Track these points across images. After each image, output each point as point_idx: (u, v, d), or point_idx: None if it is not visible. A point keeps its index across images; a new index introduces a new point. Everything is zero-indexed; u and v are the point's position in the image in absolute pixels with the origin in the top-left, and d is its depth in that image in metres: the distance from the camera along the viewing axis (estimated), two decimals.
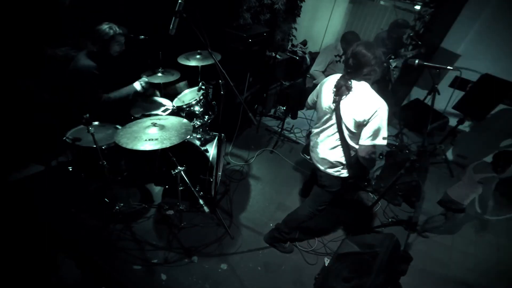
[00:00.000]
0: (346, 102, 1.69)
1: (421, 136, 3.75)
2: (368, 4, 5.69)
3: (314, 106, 1.98)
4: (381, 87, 3.54)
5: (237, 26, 3.30)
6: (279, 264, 2.25)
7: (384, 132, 1.63)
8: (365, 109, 1.61)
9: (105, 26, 1.94)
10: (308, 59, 4.89)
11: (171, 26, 1.56)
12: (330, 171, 1.90)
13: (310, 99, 2.05)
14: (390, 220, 2.82)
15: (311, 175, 2.58)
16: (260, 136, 3.76)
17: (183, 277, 2.01)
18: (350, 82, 1.67)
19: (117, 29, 1.97)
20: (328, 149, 1.86)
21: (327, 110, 1.79)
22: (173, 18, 1.54)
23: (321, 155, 1.90)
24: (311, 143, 2.02)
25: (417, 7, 4.49)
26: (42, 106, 2.22)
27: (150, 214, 2.42)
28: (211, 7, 2.93)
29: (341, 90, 1.69)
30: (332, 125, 1.79)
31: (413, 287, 2.24)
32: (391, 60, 3.59)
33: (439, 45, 3.72)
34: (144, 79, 2.22)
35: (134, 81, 2.22)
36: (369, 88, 1.68)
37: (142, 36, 2.21)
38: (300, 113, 4.39)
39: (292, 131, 4.02)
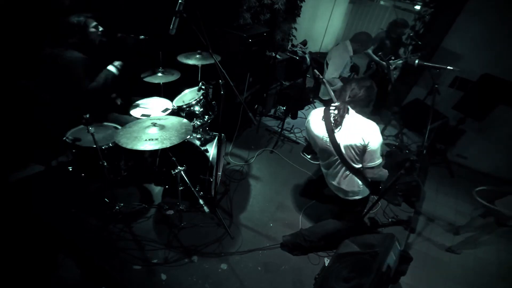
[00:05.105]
0: (341, 133, 1.75)
1: (421, 136, 3.75)
2: (368, 4, 5.71)
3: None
4: (381, 87, 3.54)
5: (237, 26, 3.30)
6: (279, 264, 2.25)
7: (379, 151, 1.73)
8: (362, 135, 1.69)
9: (73, 17, 1.95)
10: (308, 59, 4.88)
11: (171, 26, 1.56)
12: (348, 198, 1.99)
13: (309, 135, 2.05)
14: (390, 220, 2.83)
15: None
16: (260, 136, 3.76)
17: (183, 277, 2.01)
18: (343, 114, 1.75)
19: (82, 16, 2.00)
20: (341, 179, 1.93)
21: (324, 143, 1.86)
22: (173, 18, 1.54)
23: (337, 185, 1.98)
24: (324, 173, 2.09)
25: (417, 7, 4.50)
26: (42, 106, 2.22)
27: (150, 214, 2.42)
28: (211, 7, 2.93)
29: (335, 122, 1.76)
30: (335, 157, 1.84)
31: (413, 287, 2.24)
32: (391, 61, 3.58)
33: (439, 45, 3.72)
34: (118, 61, 2.16)
35: (128, 81, 2.20)
36: (356, 114, 1.76)
37: (142, 36, 2.21)
38: (300, 113, 4.39)
39: (292, 131, 4.02)
